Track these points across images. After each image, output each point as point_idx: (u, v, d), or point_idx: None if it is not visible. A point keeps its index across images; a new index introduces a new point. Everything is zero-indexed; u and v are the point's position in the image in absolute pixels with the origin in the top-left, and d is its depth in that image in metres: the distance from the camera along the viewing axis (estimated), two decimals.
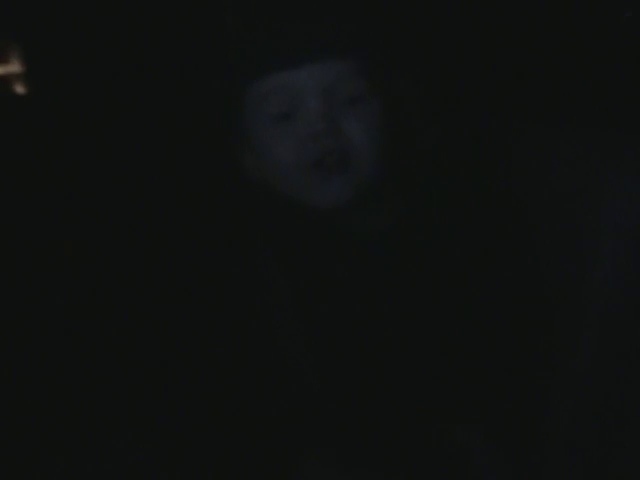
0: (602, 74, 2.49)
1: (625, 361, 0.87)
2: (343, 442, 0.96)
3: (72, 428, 2.04)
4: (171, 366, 2.22)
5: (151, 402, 2.21)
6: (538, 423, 0.93)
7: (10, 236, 2.65)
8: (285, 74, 0.85)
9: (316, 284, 0.93)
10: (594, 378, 0.87)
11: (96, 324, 2.38)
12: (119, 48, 2.77)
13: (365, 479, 0.92)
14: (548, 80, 2.39)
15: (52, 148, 2.76)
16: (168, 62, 2.71)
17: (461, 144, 0.96)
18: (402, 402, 0.93)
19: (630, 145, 0.92)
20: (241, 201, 1.04)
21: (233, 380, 1.78)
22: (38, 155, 2.78)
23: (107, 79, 2.75)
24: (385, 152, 0.88)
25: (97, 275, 2.57)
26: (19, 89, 2.82)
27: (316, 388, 1.00)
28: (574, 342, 0.88)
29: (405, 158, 0.91)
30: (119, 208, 2.63)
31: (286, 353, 1.00)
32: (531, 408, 0.93)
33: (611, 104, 2.41)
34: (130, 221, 2.58)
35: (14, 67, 2.81)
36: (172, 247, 2.51)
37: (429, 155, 0.94)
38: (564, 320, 0.90)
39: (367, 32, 0.91)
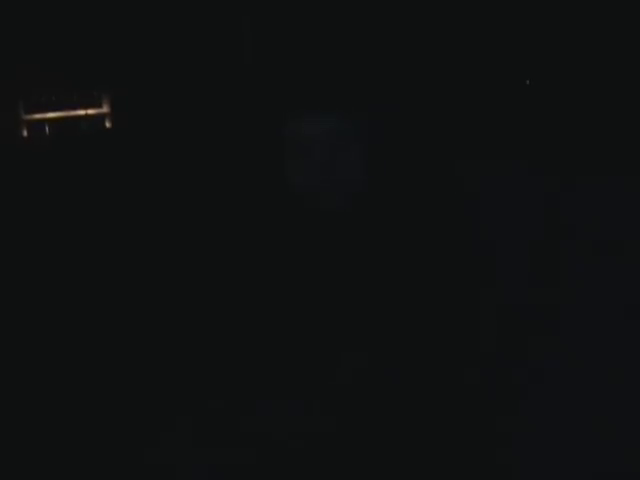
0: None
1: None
2: None
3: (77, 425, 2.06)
4: None
5: None
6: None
7: (116, 246, 3.48)
8: (315, 118, 1.73)
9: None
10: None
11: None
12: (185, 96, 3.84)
13: None
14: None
15: (131, 164, 3.87)
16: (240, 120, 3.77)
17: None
18: None
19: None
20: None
21: None
22: (121, 167, 3.93)
23: (175, 119, 3.85)
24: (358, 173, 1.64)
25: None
26: (108, 124, 3.82)
27: None
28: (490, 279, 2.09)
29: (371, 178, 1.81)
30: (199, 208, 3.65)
31: None
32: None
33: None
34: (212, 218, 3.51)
35: (105, 109, 3.74)
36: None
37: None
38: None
39: (360, 107, 1.83)
